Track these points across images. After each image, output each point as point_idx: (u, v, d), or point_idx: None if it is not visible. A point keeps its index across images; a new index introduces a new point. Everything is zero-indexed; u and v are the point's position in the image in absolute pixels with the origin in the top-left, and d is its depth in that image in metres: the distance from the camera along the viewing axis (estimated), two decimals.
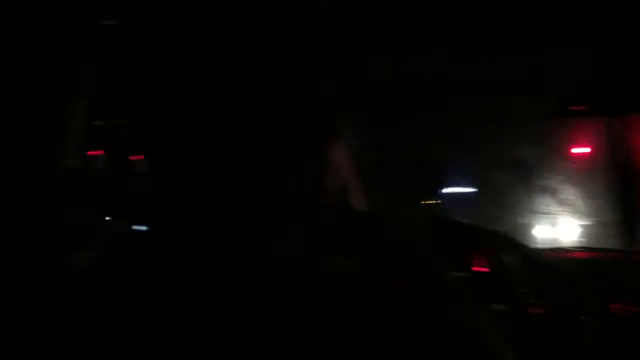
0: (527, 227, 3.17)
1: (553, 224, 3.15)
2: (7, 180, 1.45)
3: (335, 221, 0.42)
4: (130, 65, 0.40)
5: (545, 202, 3.14)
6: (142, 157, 0.41)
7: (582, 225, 2.96)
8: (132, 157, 3.13)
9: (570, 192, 3.10)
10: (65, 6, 1.50)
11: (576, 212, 3.02)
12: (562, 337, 1.54)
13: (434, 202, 3.52)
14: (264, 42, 0.38)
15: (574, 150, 3.39)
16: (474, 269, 1.59)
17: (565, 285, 1.60)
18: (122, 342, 0.37)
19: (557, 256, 1.74)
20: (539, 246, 1.76)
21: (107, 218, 1.68)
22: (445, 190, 3.62)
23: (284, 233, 0.39)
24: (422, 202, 3.34)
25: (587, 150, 3.30)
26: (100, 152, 3.28)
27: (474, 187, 3.53)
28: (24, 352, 0.42)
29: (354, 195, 0.52)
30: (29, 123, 1.52)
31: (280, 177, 0.38)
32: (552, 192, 3.14)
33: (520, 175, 3.12)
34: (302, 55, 0.39)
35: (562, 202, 3.09)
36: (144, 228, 0.48)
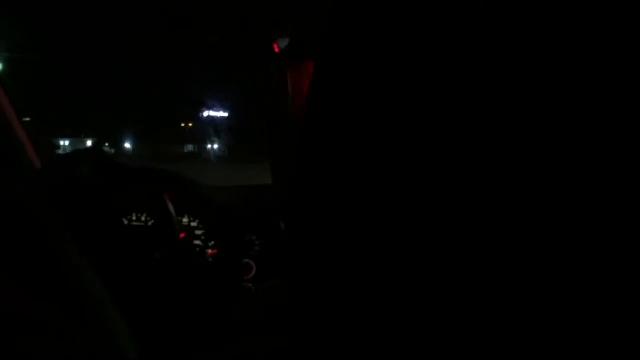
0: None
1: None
2: None
3: None
4: None
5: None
6: None
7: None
8: None
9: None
10: None
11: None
12: (229, 282, 1.52)
13: None
14: None
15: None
16: (152, 214, 1.54)
17: (233, 226, 1.57)
18: None
19: (225, 195, 1.69)
20: (209, 184, 1.71)
21: None
22: None
23: None
24: None
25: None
26: None
27: None
28: None
29: None
30: None
31: None
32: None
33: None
34: None
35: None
36: None
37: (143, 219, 1.55)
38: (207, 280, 1.49)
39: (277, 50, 1.27)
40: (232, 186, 1.81)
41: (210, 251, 1.54)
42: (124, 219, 1.55)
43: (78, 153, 1.40)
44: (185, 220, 1.58)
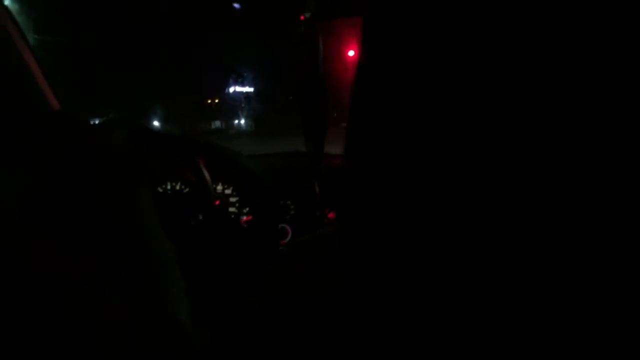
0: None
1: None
2: None
3: None
4: None
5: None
6: None
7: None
8: None
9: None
10: None
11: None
12: (263, 247, 1.53)
13: None
14: None
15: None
16: (186, 182, 1.56)
17: (267, 193, 1.58)
18: None
19: (259, 162, 1.69)
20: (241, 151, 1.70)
21: None
22: None
23: None
24: None
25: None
26: None
27: None
28: None
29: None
30: None
31: None
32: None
33: None
34: None
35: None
36: None
37: (177, 187, 1.57)
38: (243, 245, 1.50)
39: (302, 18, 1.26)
40: (265, 153, 1.81)
41: (245, 217, 1.55)
42: (158, 187, 1.56)
43: (111, 121, 1.41)
44: (219, 187, 1.59)
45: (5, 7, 1.45)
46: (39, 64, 1.55)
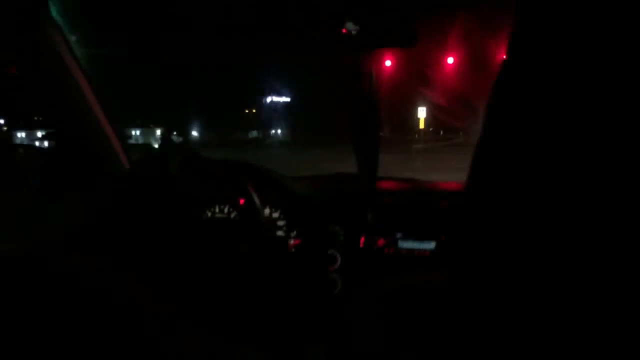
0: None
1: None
2: None
3: None
4: None
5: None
6: None
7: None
8: None
9: None
10: None
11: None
12: (312, 273, 1.50)
13: None
14: None
15: None
16: (235, 206, 1.55)
17: (315, 217, 1.55)
18: None
19: (307, 185, 1.67)
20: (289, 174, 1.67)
21: None
22: None
23: None
24: None
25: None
26: None
27: None
28: None
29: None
30: None
31: None
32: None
33: None
34: None
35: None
36: None
37: (226, 210, 1.57)
38: (291, 270, 1.49)
39: (344, 31, 1.25)
40: (312, 175, 1.80)
41: (292, 241, 1.54)
42: (208, 212, 1.57)
43: (167, 148, 1.44)
44: (267, 210, 1.59)
45: (57, 24, 1.50)
46: (86, 77, 1.60)
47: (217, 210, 1.58)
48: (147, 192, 1.34)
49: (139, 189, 1.31)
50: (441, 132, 34.84)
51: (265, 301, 1.43)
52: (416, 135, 28.92)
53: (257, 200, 1.45)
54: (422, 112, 27.42)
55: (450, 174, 2.17)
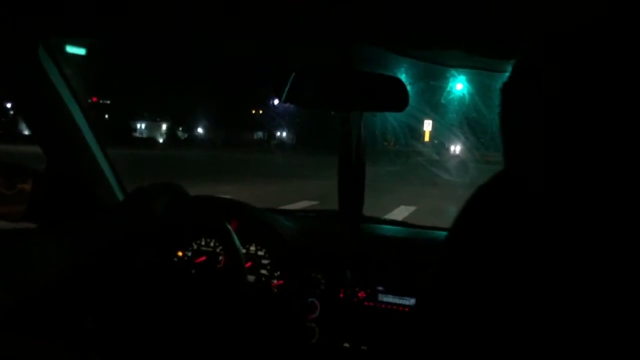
0: None
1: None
2: None
3: None
4: None
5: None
6: None
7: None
8: None
9: None
10: None
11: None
12: (291, 318, 1.48)
13: None
14: None
15: None
16: (217, 242, 1.56)
17: (298, 261, 1.53)
18: None
19: (290, 223, 1.66)
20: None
21: None
22: None
23: None
24: None
25: None
26: None
27: None
28: None
29: None
30: None
31: None
32: None
33: None
34: None
35: None
36: None
37: (212, 243, 1.58)
38: (272, 311, 1.49)
39: None
40: (303, 210, 1.81)
41: (275, 281, 1.54)
42: (188, 252, 1.58)
43: (157, 187, 1.44)
44: (253, 248, 1.59)
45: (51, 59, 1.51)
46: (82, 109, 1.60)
47: (202, 242, 1.59)
48: (134, 240, 1.36)
49: (128, 239, 1.33)
50: None
51: (244, 345, 1.44)
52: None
53: (237, 241, 1.46)
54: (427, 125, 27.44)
55: None
